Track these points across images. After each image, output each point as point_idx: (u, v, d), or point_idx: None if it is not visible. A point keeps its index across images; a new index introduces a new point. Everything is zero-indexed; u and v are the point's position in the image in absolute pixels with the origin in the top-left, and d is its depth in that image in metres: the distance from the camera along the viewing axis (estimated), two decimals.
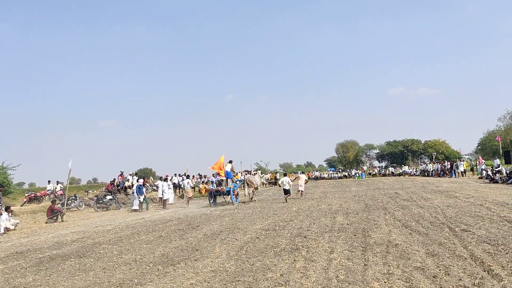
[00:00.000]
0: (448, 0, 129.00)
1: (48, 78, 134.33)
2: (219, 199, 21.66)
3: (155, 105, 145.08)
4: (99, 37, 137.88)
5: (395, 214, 11.20)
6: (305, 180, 23.16)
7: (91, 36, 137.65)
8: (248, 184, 20.83)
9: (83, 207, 23.49)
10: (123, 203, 24.56)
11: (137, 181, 22.34)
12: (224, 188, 19.82)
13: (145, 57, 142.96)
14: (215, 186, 21.40)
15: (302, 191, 21.14)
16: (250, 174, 25.55)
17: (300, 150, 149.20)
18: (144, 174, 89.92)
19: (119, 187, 29.26)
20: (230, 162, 21.17)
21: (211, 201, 20.06)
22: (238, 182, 21.43)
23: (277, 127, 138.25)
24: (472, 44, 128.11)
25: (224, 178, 20.09)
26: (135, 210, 19.58)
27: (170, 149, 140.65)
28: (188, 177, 28.24)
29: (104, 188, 31.82)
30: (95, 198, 23.15)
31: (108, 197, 22.98)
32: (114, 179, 30.48)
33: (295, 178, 29.87)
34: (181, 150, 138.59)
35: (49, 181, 30.31)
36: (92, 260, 7.70)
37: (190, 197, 22.94)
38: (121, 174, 30.02)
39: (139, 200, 19.63)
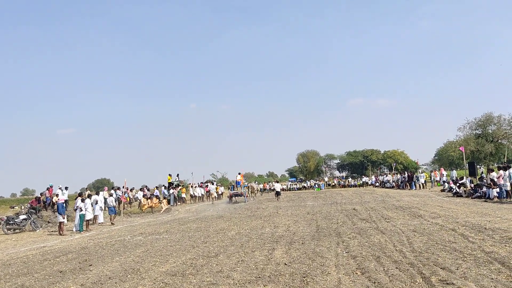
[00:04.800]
0: (403, 15, 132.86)
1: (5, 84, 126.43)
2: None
3: (116, 114, 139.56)
4: (62, 48, 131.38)
5: (350, 245, 8.71)
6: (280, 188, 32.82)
7: (53, 46, 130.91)
8: (250, 189, 31.47)
9: None
10: (48, 222, 21.02)
11: (57, 197, 19.00)
12: (243, 191, 30.05)
13: (108, 65, 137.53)
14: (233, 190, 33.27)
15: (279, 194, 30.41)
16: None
17: (262, 159, 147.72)
18: (101, 184, 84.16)
19: (45, 203, 25.51)
20: (239, 173, 32.62)
21: (230, 201, 28.81)
22: (245, 188, 31.83)
23: (240, 136, 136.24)
24: (427, 56, 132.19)
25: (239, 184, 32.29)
26: (78, 231, 16.81)
27: (131, 158, 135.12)
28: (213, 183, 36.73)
29: (28, 203, 27.79)
30: (5, 218, 19.34)
31: (22, 216, 19.31)
32: (42, 193, 26.71)
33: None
34: (142, 160, 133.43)
35: None
36: None
37: (214, 197, 32.47)
38: (49, 188, 26.31)
39: (60, 220, 16.55)
